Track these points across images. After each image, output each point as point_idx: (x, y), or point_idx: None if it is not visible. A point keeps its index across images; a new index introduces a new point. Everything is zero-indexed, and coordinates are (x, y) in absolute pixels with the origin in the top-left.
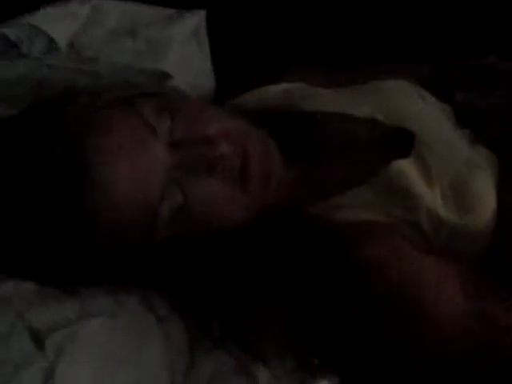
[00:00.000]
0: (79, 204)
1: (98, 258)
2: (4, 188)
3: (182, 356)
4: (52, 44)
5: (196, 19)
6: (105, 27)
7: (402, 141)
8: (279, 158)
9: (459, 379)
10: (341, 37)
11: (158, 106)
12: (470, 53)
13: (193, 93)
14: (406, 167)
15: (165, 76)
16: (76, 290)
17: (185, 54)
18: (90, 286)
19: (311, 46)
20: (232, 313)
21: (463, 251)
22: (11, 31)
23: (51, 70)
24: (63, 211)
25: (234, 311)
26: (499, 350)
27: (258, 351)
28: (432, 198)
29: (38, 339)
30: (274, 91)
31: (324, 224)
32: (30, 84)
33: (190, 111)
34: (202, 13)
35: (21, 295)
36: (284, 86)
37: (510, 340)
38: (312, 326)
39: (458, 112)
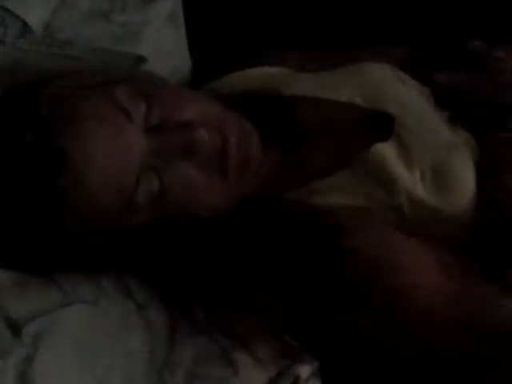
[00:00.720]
0: (53, 191)
1: (75, 243)
2: None
3: (162, 342)
4: (26, 28)
5: (172, 2)
6: (79, 10)
7: (381, 124)
8: (258, 144)
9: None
10: (319, 20)
11: (133, 91)
12: (450, 36)
13: (169, 77)
14: (386, 151)
15: (141, 59)
16: (56, 278)
17: (161, 38)
18: (70, 273)
19: (290, 28)
20: (213, 298)
21: (443, 234)
22: None
23: (25, 54)
24: (37, 198)
25: (216, 296)
26: (479, 334)
27: (239, 336)
28: (412, 180)
29: (15, 328)
30: (253, 75)
31: (303, 210)
32: (3, 69)
33: (165, 96)
34: None
35: None
36: (263, 69)
37: (489, 324)
38: (292, 310)
39: (437, 94)
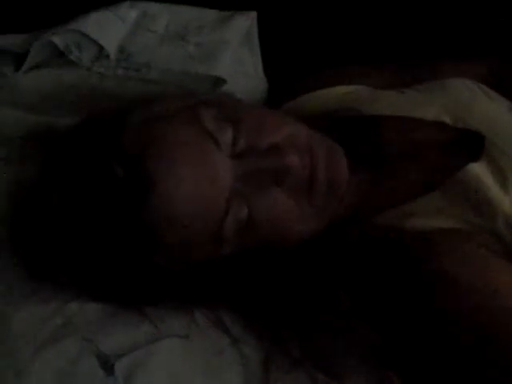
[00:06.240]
0: (143, 222)
1: (163, 275)
2: (68, 209)
3: (257, 378)
4: (102, 51)
5: (247, 21)
6: (154, 32)
7: (471, 144)
8: (346, 166)
9: None
10: (395, 37)
11: (219, 115)
12: None
13: (246, 97)
14: (479, 171)
15: (219, 81)
16: (146, 312)
17: (237, 58)
18: (160, 306)
19: (364, 44)
20: (307, 331)
21: None
22: (60, 39)
23: (102, 78)
24: (127, 230)
25: (309, 329)
26: None
27: (334, 370)
28: (508, 203)
29: (106, 364)
30: (333, 94)
31: (395, 233)
32: (81, 93)
33: (252, 119)
34: (253, 14)
35: (87, 318)
36: (343, 88)
37: None
38: (387, 339)
39: None
